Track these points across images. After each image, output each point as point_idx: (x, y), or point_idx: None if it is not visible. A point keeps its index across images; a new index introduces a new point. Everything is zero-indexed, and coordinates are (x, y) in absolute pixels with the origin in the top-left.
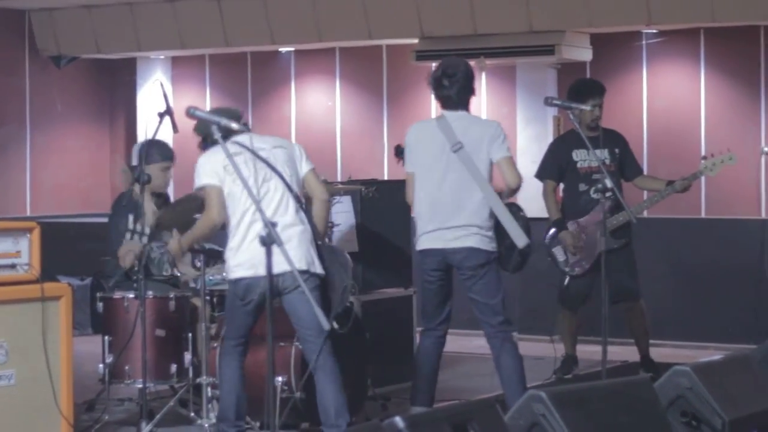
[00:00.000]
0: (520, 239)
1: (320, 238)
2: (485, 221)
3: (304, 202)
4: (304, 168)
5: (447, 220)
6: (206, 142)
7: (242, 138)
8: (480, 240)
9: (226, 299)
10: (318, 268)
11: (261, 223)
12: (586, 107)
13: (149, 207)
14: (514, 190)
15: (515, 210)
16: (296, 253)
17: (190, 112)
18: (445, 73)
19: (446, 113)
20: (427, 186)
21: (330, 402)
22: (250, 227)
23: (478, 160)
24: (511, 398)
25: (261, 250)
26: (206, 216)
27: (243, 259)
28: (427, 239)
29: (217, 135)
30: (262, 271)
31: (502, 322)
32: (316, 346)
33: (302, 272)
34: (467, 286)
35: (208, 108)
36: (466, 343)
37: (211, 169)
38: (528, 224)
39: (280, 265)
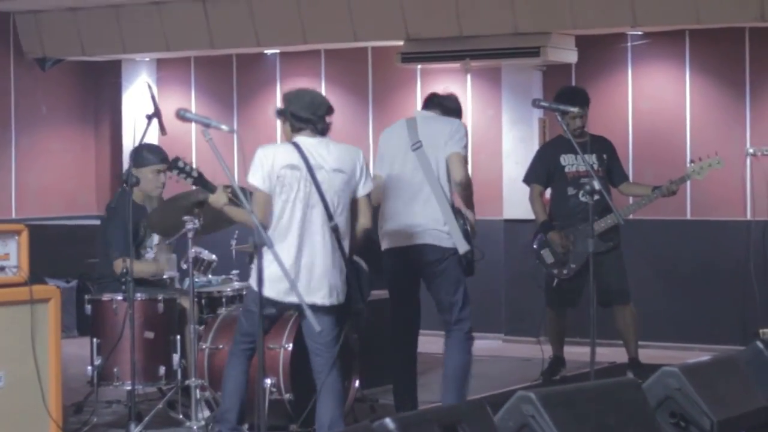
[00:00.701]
0: (460, 245)
1: (348, 257)
2: (440, 218)
3: (345, 234)
4: (361, 191)
5: (406, 217)
6: (287, 122)
7: (306, 144)
8: (435, 237)
9: (245, 302)
10: (341, 298)
11: (290, 245)
12: (573, 109)
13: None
14: (464, 188)
15: (458, 216)
16: (318, 285)
17: (180, 114)
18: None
19: (418, 112)
20: (392, 185)
21: (327, 414)
22: (280, 246)
23: (434, 159)
24: (445, 396)
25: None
26: (249, 215)
27: (266, 275)
28: (388, 239)
29: (207, 137)
30: (283, 296)
31: (457, 321)
32: (325, 360)
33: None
34: (426, 285)
35: (194, 110)
36: None
37: (266, 172)
38: (468, 233)
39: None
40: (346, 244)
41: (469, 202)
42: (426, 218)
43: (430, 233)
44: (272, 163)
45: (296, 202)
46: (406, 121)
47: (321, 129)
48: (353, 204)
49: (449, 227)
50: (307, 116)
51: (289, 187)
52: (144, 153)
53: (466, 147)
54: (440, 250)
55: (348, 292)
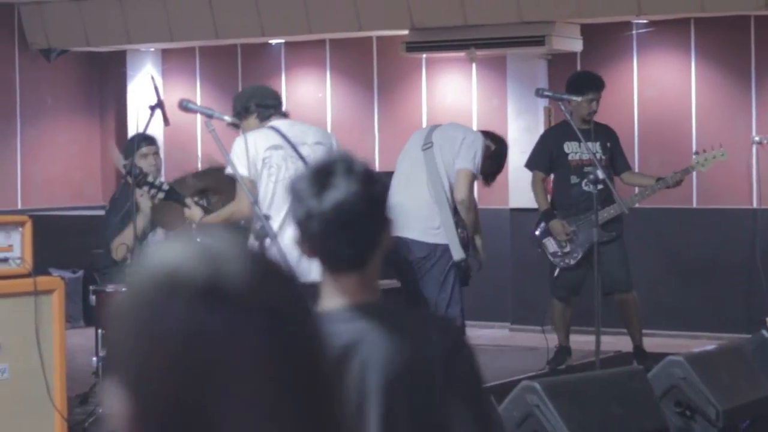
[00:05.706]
0: (455, 252)
1: None
2: (434, 217)
3: None
4: None
5: (399, 209)
6: (242, 118)
7: (282, 125)
8: (422, 232)
9: None
10: None
11: (283, 225)
12: (577, 98)
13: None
14: (465, 208)
15: (457, 224)
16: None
17: (183, 105)
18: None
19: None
20: (396, 180)
21: None
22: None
23: (441, 161)
24: None
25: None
26: (237, 206)
27: None
28: None
29: (210, 128)
30: None
31: None
32: None
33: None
34: (419, 280)
35: (199, 101)
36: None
37: (250, 159)
38: (466, 242)
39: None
40: None
41: (474, 224)
42: (417, 213)
43: (417, 228)
44: (255, 148)
45: (286, 180)
46: (432, 126)
47: (284, 114)
48: None
49: (445, 231)
50: (272, 102)
51: (276, 167)
52: (128, 143)
53: (478, 163)
54: (426, 246)
55: None
